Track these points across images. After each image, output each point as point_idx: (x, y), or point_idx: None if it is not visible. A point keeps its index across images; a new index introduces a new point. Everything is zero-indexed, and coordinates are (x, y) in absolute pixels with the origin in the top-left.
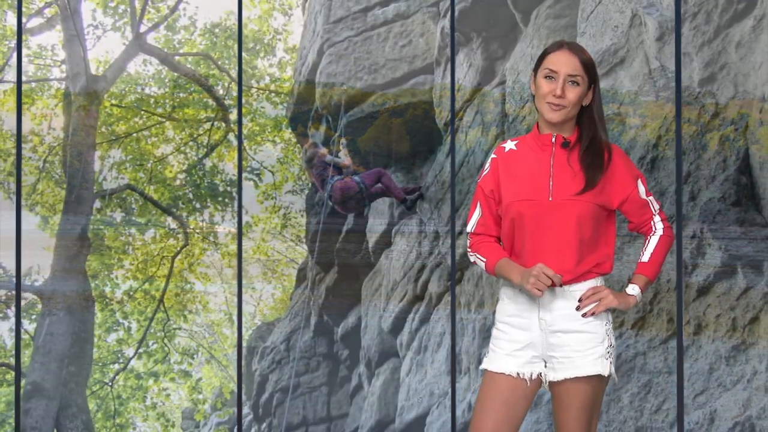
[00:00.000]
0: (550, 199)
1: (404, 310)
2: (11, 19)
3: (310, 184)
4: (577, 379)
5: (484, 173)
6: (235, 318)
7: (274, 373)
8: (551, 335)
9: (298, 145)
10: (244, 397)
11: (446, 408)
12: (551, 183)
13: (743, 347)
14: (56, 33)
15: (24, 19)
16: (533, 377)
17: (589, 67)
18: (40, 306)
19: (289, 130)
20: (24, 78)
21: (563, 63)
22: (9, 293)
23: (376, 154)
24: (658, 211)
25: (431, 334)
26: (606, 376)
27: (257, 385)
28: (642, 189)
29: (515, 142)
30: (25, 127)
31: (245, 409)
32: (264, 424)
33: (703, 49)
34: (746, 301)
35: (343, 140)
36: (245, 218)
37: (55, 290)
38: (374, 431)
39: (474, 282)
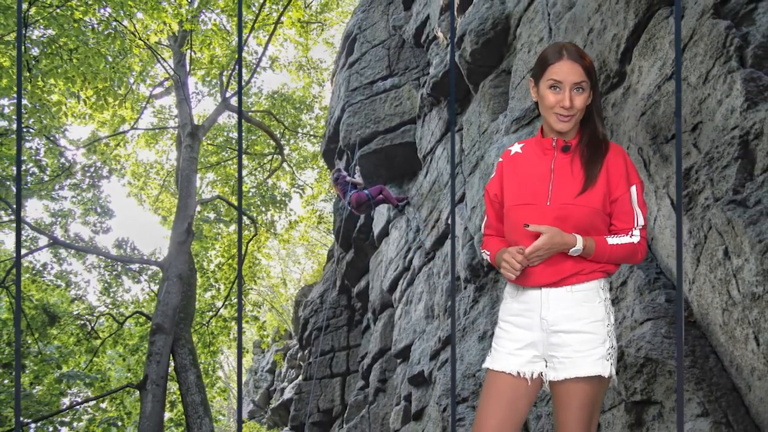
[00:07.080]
0: (548, 203)
1: (397, 276)
2: (142, 87)
3: (336, 195)
4: (577, 379)
5: (492, 177)
6: (287, 282)
7: (312, 317)
8: (552, 335)
9: (328, 169)
10: (292, 334)
11: (424, 340)
12: (551, 187)
13: (616, 300)
14: (171, 97)
15: (151, 88)
16: (534, 377)
17: (591, 71)
18: (161, 274)
19: (322, 161)
20: (150, 126)
21: (567, 73)
22: (140, 266)
23: (379, 176)
24: (640, 227)
25: (414, 293)
26: (606, 377)
27: (301, 326)
28: (634, 196)
29: (521, 146)
30: (152, 158)
31: (293, 341)
32: (306, 351)
33: None
34: (619, 270)
35: (357, 167)
36: (293, 218)
37: (171, 264)
38: (378, 356)
39: (442, 258)
